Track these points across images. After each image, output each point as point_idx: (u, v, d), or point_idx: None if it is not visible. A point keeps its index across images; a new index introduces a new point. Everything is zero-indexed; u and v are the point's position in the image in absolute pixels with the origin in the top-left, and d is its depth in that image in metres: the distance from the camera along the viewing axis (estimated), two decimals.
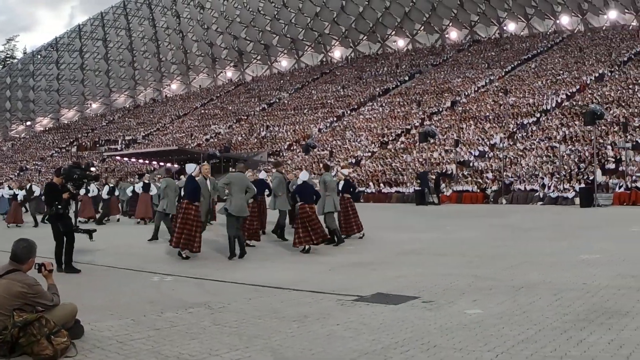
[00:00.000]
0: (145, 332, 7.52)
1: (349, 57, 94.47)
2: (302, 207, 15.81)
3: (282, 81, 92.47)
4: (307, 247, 15.45)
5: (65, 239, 12.75)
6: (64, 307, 7.05)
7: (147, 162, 70.65)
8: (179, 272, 12.59)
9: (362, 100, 72.42)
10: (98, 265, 13.70)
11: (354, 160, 54.01)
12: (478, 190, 40.63)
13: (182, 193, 16.32)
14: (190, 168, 15.66)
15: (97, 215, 28.61)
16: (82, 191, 25.23)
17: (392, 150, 53.60)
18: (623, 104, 46.85)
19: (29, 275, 6.86)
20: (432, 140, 47.55)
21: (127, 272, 12.75)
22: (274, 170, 20.94)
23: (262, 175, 21.08)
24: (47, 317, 6.61)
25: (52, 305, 6.90)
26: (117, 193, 31.14)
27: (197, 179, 15.52)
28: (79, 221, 17.26)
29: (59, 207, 12.68)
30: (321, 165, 33.49)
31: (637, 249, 13.91)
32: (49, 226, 13.25)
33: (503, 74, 66.51)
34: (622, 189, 34.21)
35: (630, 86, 50.45)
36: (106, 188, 30.28)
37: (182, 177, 24.01)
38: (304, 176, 16.59)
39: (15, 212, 27.91)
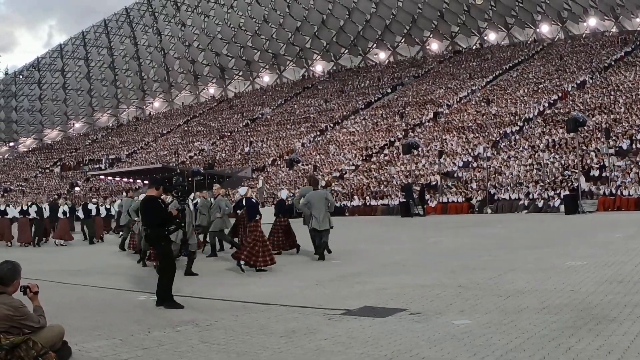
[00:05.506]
0: (134, 352, 7.46)
1: (331, 71, 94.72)
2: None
3: (264, 96, 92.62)
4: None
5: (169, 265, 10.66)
6: (51, 328, 6.98)
7: (131, 180, 70.43)
8: None
9: (344, 113, 72.60)
10: (83, 285, 13.57)
11: (338, 174, 54.01)
12: (463, 201, 40.69)
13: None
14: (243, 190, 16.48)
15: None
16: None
17: (376, 163, 53.67)
18: (605, 111, 47.14)
19: (14, 298, 6.80)
20: (415, 152, 47.68)
21: (112, 292, 12.63)
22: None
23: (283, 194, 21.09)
24: (34, 339, 6.54)
25: (38, 327, 6.83)
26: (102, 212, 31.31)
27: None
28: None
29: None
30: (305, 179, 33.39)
31: (622, 254, 13.95)
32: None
33: (485, 83, 66.86)
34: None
35: (612, 92, 50.77)
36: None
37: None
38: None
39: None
